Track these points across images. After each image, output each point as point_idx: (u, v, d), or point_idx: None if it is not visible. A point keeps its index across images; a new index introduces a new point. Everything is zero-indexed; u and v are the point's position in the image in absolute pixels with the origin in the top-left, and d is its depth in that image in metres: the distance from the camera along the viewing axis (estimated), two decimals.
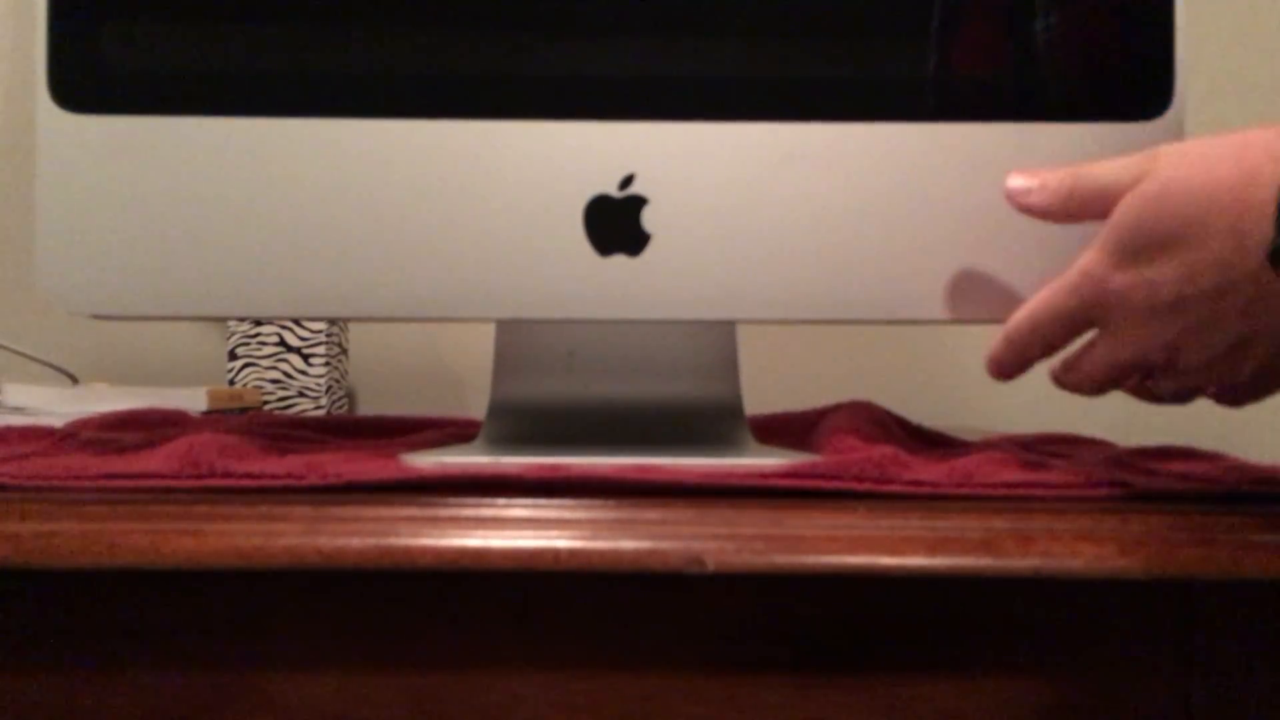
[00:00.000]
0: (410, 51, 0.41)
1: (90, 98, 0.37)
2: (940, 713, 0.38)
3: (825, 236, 0.44)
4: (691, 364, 0.48)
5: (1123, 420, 0.97)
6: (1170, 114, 0.45)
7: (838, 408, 0.59)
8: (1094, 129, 0.45)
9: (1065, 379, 0.45)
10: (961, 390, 0.99)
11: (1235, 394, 0.44)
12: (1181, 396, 0.45)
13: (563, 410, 0.46)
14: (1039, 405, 0.99)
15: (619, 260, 0.42)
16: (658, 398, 0.47)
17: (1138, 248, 0.39)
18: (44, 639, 0.39)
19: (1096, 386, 0.44)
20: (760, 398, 0.98)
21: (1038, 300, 0.43)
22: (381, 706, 0.38)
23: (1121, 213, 0.39)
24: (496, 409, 0.48)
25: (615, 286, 0.42)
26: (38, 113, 0.37)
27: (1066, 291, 0.42)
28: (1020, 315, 0.43)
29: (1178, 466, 0.44)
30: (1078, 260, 0.41)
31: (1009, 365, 0.45)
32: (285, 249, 0.40)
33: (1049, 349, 0.44)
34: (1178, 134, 0.45)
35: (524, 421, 0.46)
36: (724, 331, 0.49)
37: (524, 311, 0.42)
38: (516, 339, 0.48)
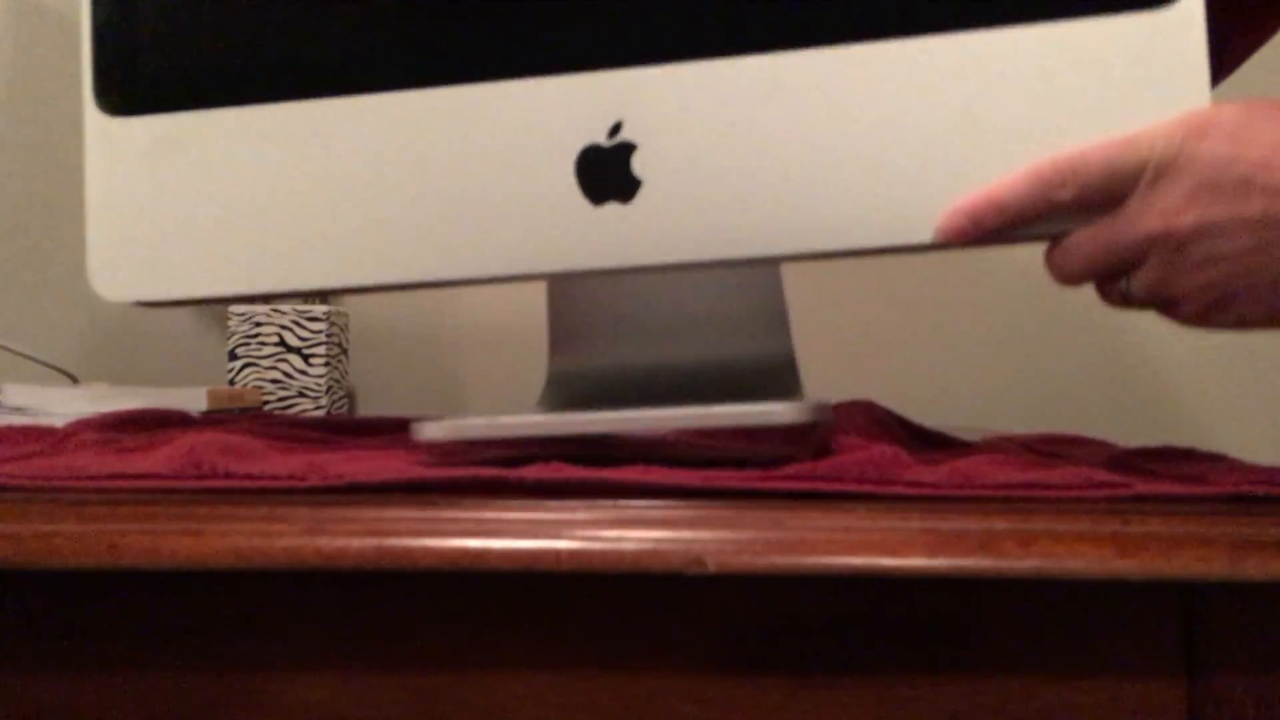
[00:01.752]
0: (387, 25, 0.42)
1: (127, 102, 0.40)
2: (940, 713, 0.38)
3: (818, 166, 0.43)
4: (741, 319, 0.47)
5: (1123, 420, 0.97)
6: (1182, 2, 0.41)
7: (838, 408, 0.59)
8: (1102, 24, 0.42)
9: (1055, 261, 0.43)
10: (961, 390, 0.99)
11: (1199, 319, 0.43)
12: (1144, 306, 0.43)
13: (617, 374, 0.47)
14: (1039, 405, 0.99)
15: (612, 209, 0.42)
16: (710, 355, 0.47)
17: (1218, 184, 0.38)
18: (44, 639, 0.39)
19: (1077, 280, 0.42)
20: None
21: (1094, 234, 0.41)
22: (381, 706, 0.38)
23: (1197, 148, 0.38)
24: (553, 378, 0.49)
25: (610, 235, 0.42)
26: (86, 120, 0.39)
27: (1126, 226, 0.40)
28: (1079, 244, 0.41)
29: (1178, 467, 0.44)
30: (1142, 198, 0.39)
31: (1070, 274, 0.42)
32: (284, 224, 0.40)
33: (1091, 277, 0.42)
34: (1191, 25, 0.42)
35: (579, 387, 0.46)
36: (770, 284, 0.48)
37: (523, 267, 0.42)
38: (566, 308, 0.48)
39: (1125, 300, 0.43)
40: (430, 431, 0.41)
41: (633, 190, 0.42)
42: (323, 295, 0.42)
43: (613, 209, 0.42)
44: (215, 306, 0.99)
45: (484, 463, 0.41)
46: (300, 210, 0.41)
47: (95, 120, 0.41)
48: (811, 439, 0.41)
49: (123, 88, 0.41)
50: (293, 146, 0.41)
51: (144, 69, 0.41)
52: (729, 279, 0.47)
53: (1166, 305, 0.42)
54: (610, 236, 0.42)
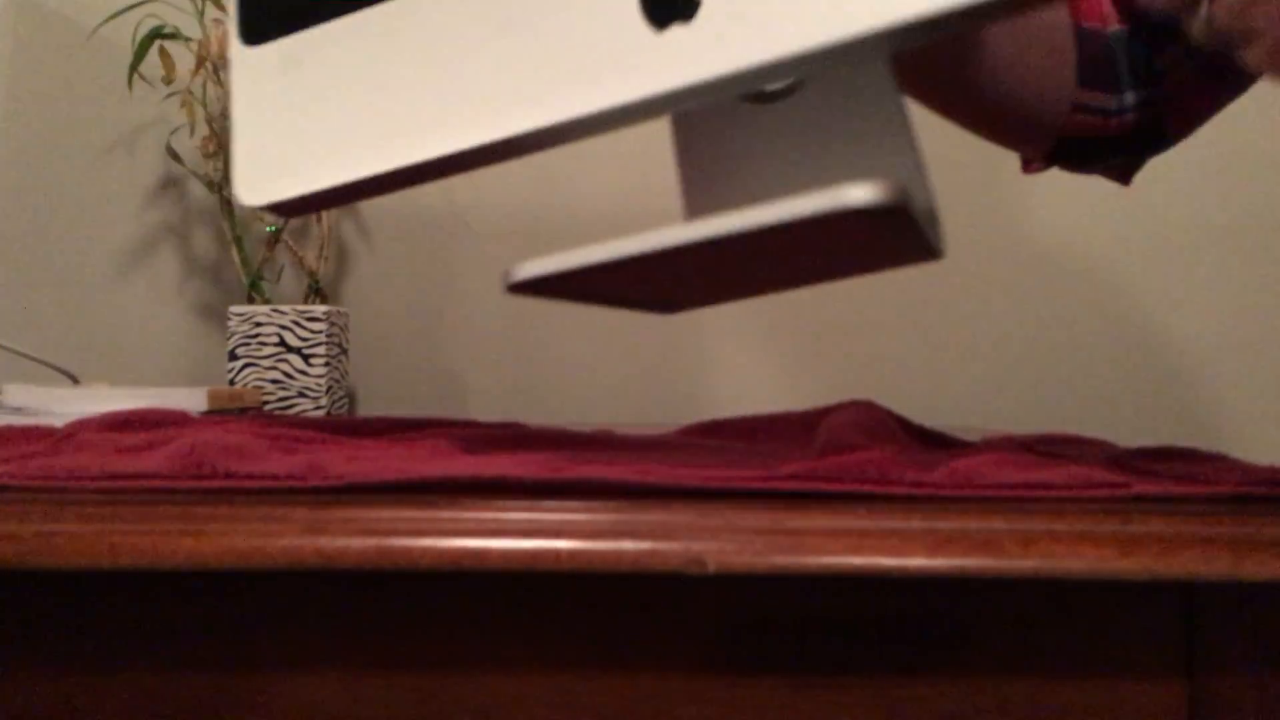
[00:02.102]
0: None
1: (258, 31, 0.44)
2: (940, 713, 0.38)
3: None
4: (866, 152, 0.45)
5: (1123, 420, 0.97)
6: None
7: (838, 407, 0.59)
8: None
9: None
10: (961, 390, 0.99)
11: (1273, 58, 0.40)
12: (1220, 42, 0.41)
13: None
14: (1039, 405, 0.99)
15: (677, 31, 0.41)
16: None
17: None
18: (44, 639, 0.39)
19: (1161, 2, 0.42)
20: (761, 398, 0.98)
21: None
22: (381, 706, 0.38)
23: None
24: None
25: (677, 55, 0.41)
26: (231, 56, 0.44)
27: None
28: None
29: (1178, 467, 0.44)
30: None
31: None
32: (389, 109, 0.42)
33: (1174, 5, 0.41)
34: None
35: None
36: (895, 118, 0.45)
37: (597, 103, 0.41)
38: (692, 160, 0.47)
39: (1205, 30, 0.42)
40: (527, 270, 0.40)
41: (694, 7, 0.41)
42: (428, 174, 0.43)
43: (677, 31, 0.40)
44: (217, 310, 0.99)
45: (583, 296, 0.40)
46: (398, 92, 0.43)
47: (238, 53, 0.45)
48: (907, 230, 0.39)
49: (254, 20, 0.45)
50: (383, 39, 0.43)
51: (269, 3, 0.45)
52: (850, 110, 0.45)
53: (1243, 38, 0.40)
54: (677, 58, 0.40)
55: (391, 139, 0.42)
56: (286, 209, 0.43)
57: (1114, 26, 0.56)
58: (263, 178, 0.42)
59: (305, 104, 0.43)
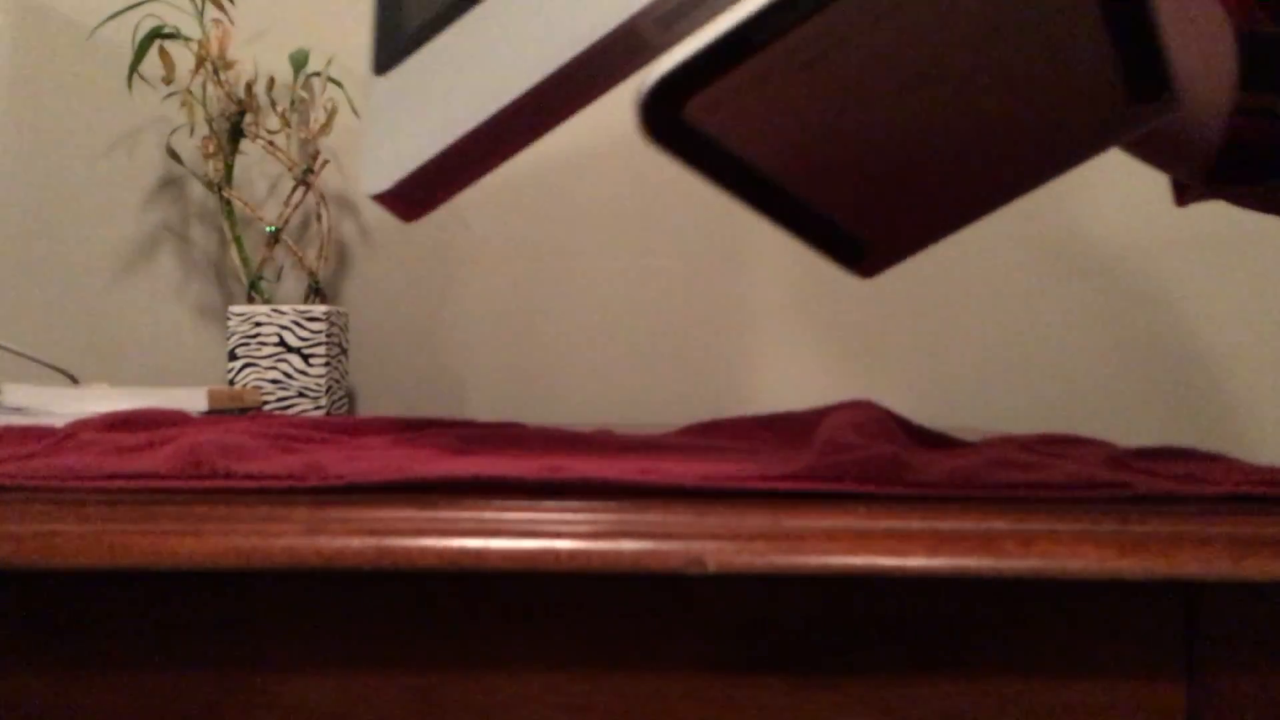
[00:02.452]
0: None
1: (384, 62, 0.50)
2: (940, 713, 0.38)
3: None
4: None
5: (1123, 420, 0.97)
6: None
7: (838, 407, 0.59)
8: None
9: None
10: (961, 390, 0.99)
11: None
12: None
13: None
14: (1039, 405, 0.99)
15: None
16: None
17: None
18: (44, 639, 0.39)
19: None
20: (760, 397, 0.98)
21: None
22: (381, 706, 0.38)
23: None
24: None
25: None
26: (370, 86, 0.49)
27: None
28: None
29: (1178, 467, 0.44)
30: None
31: None
32: (476, 80, 0.44)
33: None
34: None
35: None
36: None
37: None
38: None
39: None
40: (665, 67, 0.34)
41: None
42: (507, 133, 0.45)
43: None
44: (216, 311, 0.99)
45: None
46: (472, 79, 0.45)
47: (370, 84, 0.50)
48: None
49: (382, 56, 0.50)
50: (459, 47, 0.46)
51: (387, 39, 0.51)
52: None
53: None
54: None
55: (468, 106, 0.44)
56: (405, 194, 0.44)
57: (1269, 28, 0.51)
58: (384, 169, 0.45)
59: (411, 110, 0.46)
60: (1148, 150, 0.53)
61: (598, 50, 0.40)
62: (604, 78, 0.41)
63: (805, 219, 0.38)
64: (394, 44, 0.50)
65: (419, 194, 0.45)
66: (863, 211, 0.39)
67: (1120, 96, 0.35)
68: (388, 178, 0.44)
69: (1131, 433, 0.96)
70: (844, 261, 0.40)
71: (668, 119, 0.34)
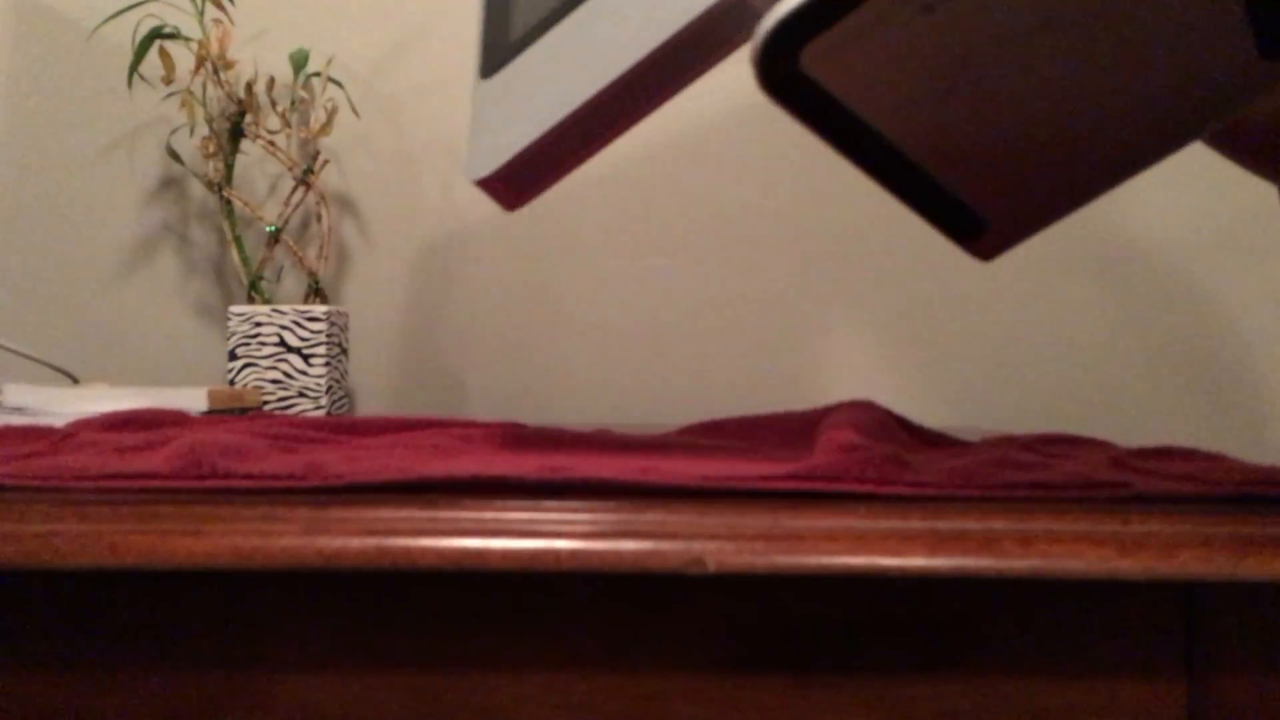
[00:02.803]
0: None
1: (488, 67, 0.50)
2: (940, 713, 0.38)
3: None
4: None
5: (1123, 420, 0.97)
6: None
7: (838, 407, 0.59)
8: None
9: None
10: (961, 390, 0.99)
11: None
12: None
13: None
14: (1039, 405, 0.99)
15: None
16: None
17: None
18: (44, 639, 0.39)
19: None
20: (761, 397, 0.98)
21: None
22: (381, 706, 0.38)
23: None
24: None
25: None
26: (472, 90, 0.50)
27: None
28: None
29: (1178, 467, 0.44)
30: None
31: None
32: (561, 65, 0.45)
33: None
34: None
35: None
36: None
37: None
38: None
39: None
40: (772, 17, 0.33)
41: None
42: (607, 114, 0.45)
43: None
44: (217, 311, 0.99)
45: None
46: (566, 71, 0.45)
47: (475, 87, 0.50)
48: None
49: (488, 60, 0.50)
50: (559, 47, 0.47)
51: (494, 44, 0.51)
52: None
53: None
54: None
55: (573, 86, 0.44)
56: (509, 178, 0.44)
57: None
58: (485, 158, 0.45)
59: (517, 102, 0.46)
60: (1257, 145, 0.46)
61: (705, 21, 0.39)
62: (711, 51, 0.40)
63: (924, 189, 0.36)
64: (500, 49, 0.50)
65: (524, 178, 0.44)
66: (985, 182, 0.36)
67: (1248, 54, 0.33)
68: (492, 162, 0.44)
69: (1134, 433, 0.96)
70: (962, 239, 0.38)
71: (785, 71, 0.33)
